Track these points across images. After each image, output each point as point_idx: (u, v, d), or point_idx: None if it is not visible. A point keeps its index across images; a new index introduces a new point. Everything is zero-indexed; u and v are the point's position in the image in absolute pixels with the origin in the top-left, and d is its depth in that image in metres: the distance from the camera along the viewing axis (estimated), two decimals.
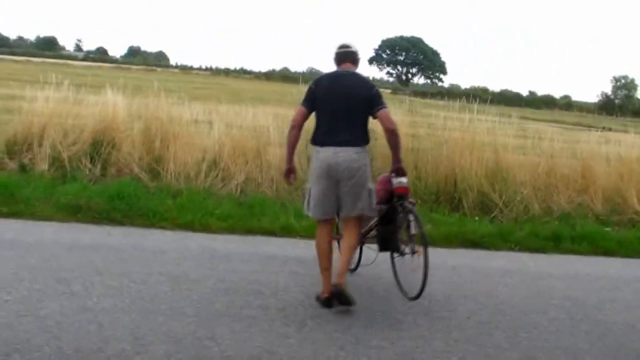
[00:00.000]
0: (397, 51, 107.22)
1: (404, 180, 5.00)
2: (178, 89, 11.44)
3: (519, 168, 8.96)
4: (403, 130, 7.39)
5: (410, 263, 4.87)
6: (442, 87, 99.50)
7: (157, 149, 8.45)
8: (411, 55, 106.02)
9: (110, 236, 6.33)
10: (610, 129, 18.37)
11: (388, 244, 5.12)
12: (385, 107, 4.81)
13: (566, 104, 78.25)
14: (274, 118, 9.41)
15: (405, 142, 7.34)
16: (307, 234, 6.52)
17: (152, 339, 3.91)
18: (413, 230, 4.79)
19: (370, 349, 4.11)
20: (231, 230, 6.92)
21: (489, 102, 11.42)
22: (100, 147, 8.34)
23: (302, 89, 6.18)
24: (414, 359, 4.06)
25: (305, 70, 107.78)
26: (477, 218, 8.12)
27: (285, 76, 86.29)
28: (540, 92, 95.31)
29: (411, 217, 4.83)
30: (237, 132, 8.88)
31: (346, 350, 4.06)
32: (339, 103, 4.76)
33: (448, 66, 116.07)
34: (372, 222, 5.24)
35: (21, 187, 7.14)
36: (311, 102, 4.85)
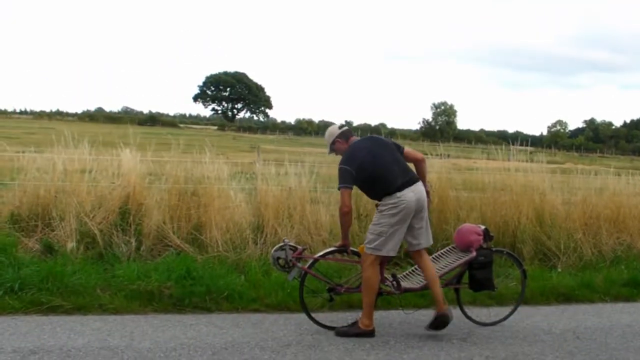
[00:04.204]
0: (221, 87, 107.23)
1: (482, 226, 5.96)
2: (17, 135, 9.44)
3: (558, 210, 8.53)
4: None
5: None
6: (267, 121, 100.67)
7: (193, 215, 7.27)
8: (236, 91, 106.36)
9: (218, 329, 5.25)
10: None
11: (484, 285, 5.73)
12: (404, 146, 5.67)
13: (387, 133, 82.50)
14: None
15: None
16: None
17: None
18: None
19: None
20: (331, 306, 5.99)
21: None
22: (128, 217, 7.01)
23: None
24: None
25: (120, 110, 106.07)
26: (559, 269, 7.68)
27: (109, 117, 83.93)
28: (355, 122, 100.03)
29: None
30: (274, 189, 7.84)
31: None
32: (382, 158, 5.32)
33: (273, 100, 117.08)
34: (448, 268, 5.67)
35: (69, 274, 5.78)
36: (353, 180, 5.27)
